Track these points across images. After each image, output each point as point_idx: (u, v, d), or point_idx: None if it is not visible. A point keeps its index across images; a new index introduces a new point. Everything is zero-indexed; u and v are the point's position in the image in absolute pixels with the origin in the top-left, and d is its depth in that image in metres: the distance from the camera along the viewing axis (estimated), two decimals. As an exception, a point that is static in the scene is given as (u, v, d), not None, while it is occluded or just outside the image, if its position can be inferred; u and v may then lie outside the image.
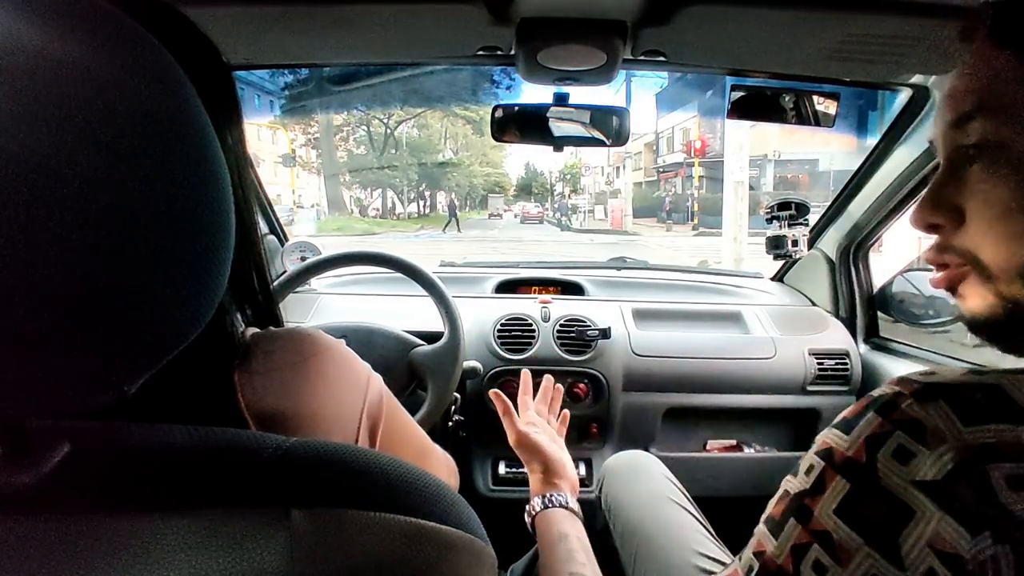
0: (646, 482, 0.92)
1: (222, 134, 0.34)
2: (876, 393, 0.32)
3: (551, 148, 1.08)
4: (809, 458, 0.33)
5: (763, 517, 0.36)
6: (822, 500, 0.31)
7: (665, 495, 0.87)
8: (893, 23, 0.72)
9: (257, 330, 0.37)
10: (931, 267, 0.38)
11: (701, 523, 0.84)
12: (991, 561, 0.27)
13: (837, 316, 1.42)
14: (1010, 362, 0.35)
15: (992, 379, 0.30)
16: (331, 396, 0.37)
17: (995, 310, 0.34)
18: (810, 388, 1.28)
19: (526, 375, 0.87)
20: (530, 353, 1.26)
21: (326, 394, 0.36)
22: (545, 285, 1.56)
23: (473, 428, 1.29)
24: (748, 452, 1.35)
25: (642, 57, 0.87)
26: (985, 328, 0.35)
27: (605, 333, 1.25)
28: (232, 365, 0.33)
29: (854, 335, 1.37)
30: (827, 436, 0.33)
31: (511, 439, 0.75)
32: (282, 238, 1.51)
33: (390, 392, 0.43)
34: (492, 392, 0.80)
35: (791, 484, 0.34)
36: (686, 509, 0.85)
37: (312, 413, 0.35)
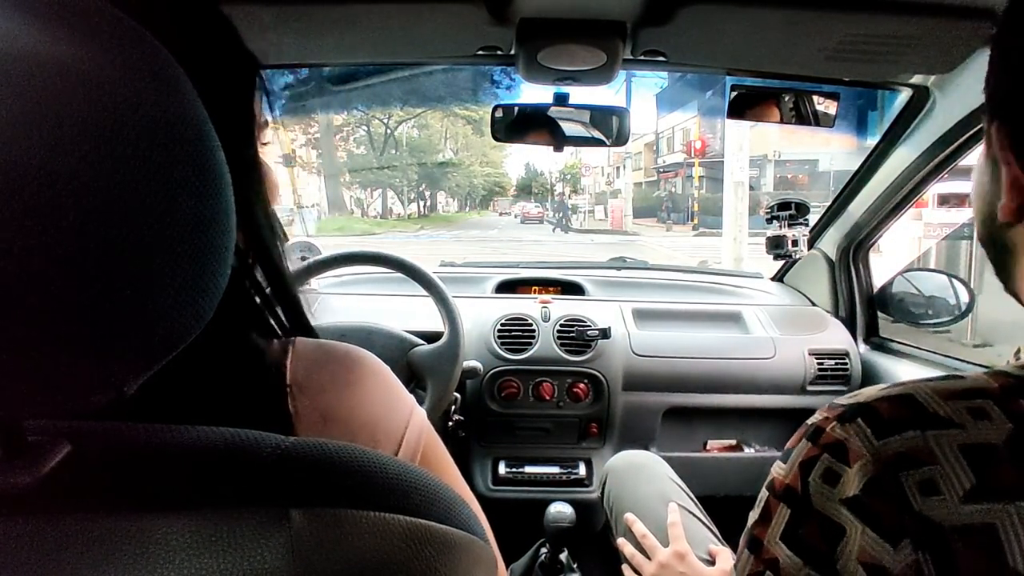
0: (650, 483, 0.91)
1: (240, 136, 0.34)
2: (810, 420, 0.34)
3: (551, 148, 1.08)
4: (761, 492, 0.35)
5: None
6: (769, 529, 0.32)
7: (670, 497, 0.85)
8: (893, 23, 0.72)
9: (305, 339, 0.37)
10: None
11: (707, 526, 0.83)
12: (913, 569, 0.27)
13: (837, 316, 1.42)
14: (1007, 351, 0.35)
15: (905, 389, 0.31)
16: (373, 413, 0.36)
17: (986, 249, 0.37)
18: (810, 388, 1.28)
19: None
20: (530, 353, 1.25)
21: (369, 411, 0.36)
22: (545, 285, 1.56)
23: (473, 428, 1.29)
24: (748, 452, 1.35)
25: (642, 57, 0.87)
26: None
27: (605, 333, 1.25)
28: (282, 372, 0.33)
29: (854, 335, 1.37)
30: (773, 467, 0.34)
31: None
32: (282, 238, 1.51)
33: (433, 430, 0.42)
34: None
35: (750, 519, 0.35)
36: (691, 512, 0.84)
37: (358, 424, 0.35)
